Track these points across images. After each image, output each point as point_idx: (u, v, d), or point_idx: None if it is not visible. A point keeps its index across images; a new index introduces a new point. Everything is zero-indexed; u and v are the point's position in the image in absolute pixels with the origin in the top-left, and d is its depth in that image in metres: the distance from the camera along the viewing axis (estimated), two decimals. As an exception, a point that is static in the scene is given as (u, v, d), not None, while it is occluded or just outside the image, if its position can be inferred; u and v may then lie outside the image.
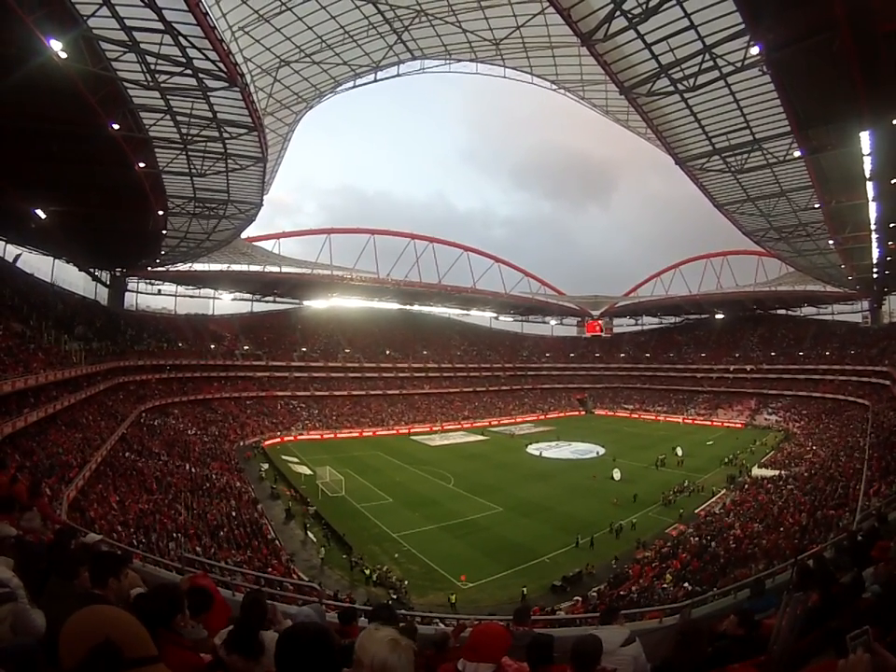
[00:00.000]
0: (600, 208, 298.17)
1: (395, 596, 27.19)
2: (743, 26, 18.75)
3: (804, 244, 45.11)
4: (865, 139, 22.61)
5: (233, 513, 34.67)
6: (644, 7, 18.66)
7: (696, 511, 39.58)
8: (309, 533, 35.93)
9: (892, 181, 25.36)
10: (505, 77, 37.37)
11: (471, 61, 35.83)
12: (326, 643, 2.32)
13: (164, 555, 20.31)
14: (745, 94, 24.76)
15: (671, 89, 24.22)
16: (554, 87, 36.80)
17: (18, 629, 2.63)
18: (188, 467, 41.85)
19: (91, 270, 64.80)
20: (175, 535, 27.13)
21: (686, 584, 23.97)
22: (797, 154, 27.70)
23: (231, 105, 27.78)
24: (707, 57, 21.32)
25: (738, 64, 21.10)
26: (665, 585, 25.03)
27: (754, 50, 19.54)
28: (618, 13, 19.20)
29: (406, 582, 28.82)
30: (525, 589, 27.52)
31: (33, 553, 4.05)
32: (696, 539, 31.61)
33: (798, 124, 24.39)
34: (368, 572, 29.86)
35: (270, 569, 26.14)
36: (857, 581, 6.24)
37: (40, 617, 2.80)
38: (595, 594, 26.97)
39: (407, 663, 2.58)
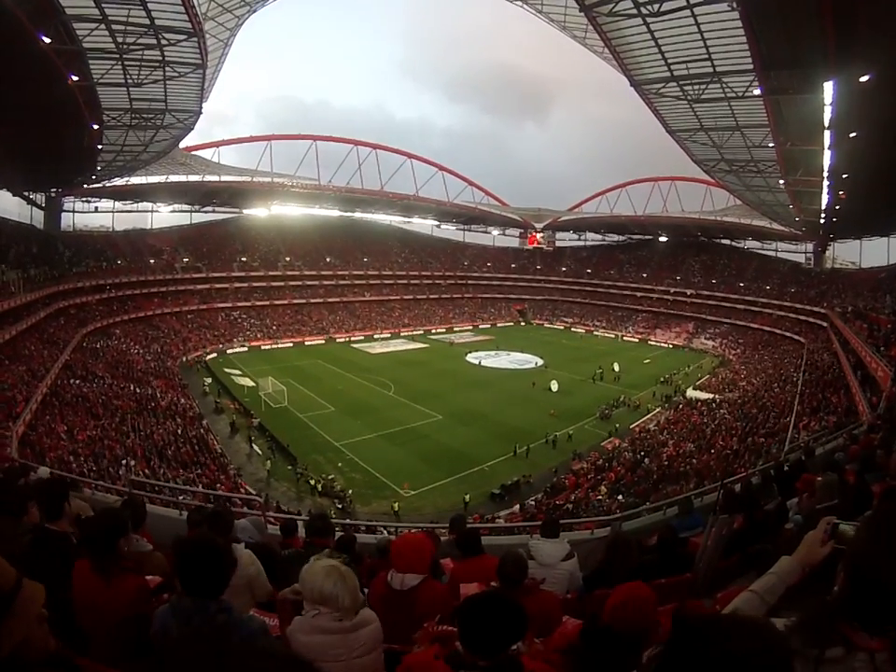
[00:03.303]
0: (538, 125, 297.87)
1: (340, 506, 28.07)
2: None
3: (753, 179, 45.15)
4: (829, 89, 22.34)
5: (179, 431, 34.94)
6: None
7: (631, 427, 40.87)
8: (254, 446, 36.51)
9: (851, 134, 25.37)
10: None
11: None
12: (213, 554, 2.67)
13: (115, 481, 20.61)
14: (711, 27, 24.30)
15: (634, 11, 23.70)
16: (512, -1, 35.62)
17: None
18: (132, 387, 41.58)
19: (26, 193, 62.11)
20: (123, 459, 27.38)
21: (620, 497, 25.28)
22: (757, 92, 27.57)
23: (170, 10, 26.26)
24: None
25: None
26: (600, 497, 26.30)
27: None
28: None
29: (350, 492, 29.59)
30: (467, 497, 28.62)
31: None
32: (631, 454, 33.08)
33: (762, 63, 24.19)
34: (313, 483, 30.58)
35: (219, 486, 26.58)
36: (781, 509, 6.89)
37: None
38: (532, 503, 28.24)
39: (351, 588, 3.00)
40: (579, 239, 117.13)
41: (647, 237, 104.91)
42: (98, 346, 51.76)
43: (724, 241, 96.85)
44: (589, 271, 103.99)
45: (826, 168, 32.18)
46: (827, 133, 26.61)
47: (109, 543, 3.21)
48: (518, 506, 27.99)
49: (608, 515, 17.50)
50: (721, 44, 25.48)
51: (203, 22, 29.55)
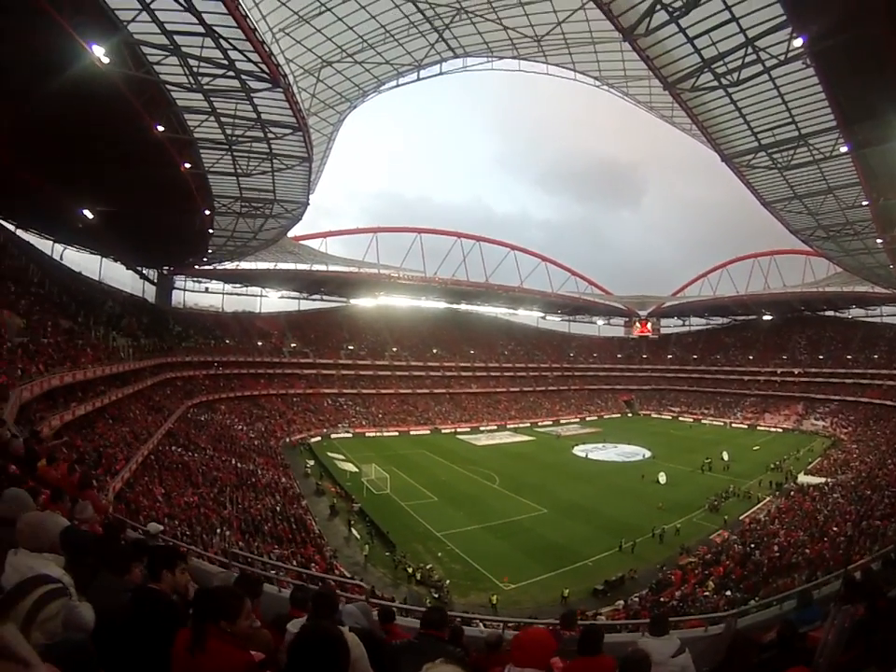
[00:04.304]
0: (632, 211, 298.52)
1: (436, 595, 27.32)
2: (784, 17, 18.14)
3: (851, 243, 43.29)
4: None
5: (278, 508, 35.11)
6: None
7: (741, 518, 38.80)
8: (353, 530, 36.17)
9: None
10: (548, 74, 36.92)
11: (513, 58, 35.46)
12: (336, 648, 2.34)
13: (207, 548, 20.61)
14: (789, 88, 23.91)
15: (715, 84, 23.53)
16: (598, 83, 36.13)
17: (68, 624, 2.62)
18: (234, 461, 42.55)
19: (139, 268, 66.30)
20: (218, 528, 27.54)
21: (728, 592, 23.62)
22: (843, 150, 26.60)
23: (275, 106, 27.83)
24: (750, 50, 20.59)
25: (782, 57, 20.35)
26: (707, 593, 24.63)
27: (797, 42, 18.77)
28: (658, 7, 18.73)
29: (448, 582, 28.81)
30: (566, 592, 27.27)
31: (81, 546, 3.97)
32: (740, 546, 30.99)
33: (844, 118, 23.55)
34: (410, 570, 29.90)
35: (313, 565, 26.22)
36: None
37: (89, 612, 2.79)
38: (636, 599, 26.71)
39: None
40: (683, 324, 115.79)
41: (750, 317, 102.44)
42: (202, 419, 53.84)
43: (828, 312, 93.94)
44: (695, 356, 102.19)
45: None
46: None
47: (227, 615, 3.06)
48: (621, 602, 26.44)
49: (714, 612, 16.24)
50: (802, 104, 25.05)
51: (307, 118, 31.29)
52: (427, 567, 30.31)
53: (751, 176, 34.03)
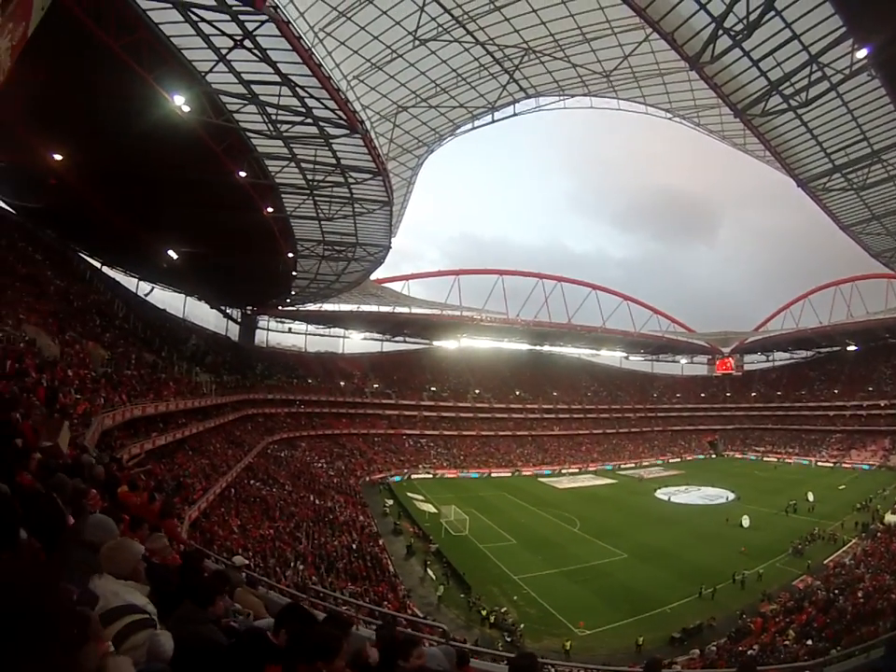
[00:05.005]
0: (707, 245, 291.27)
1: (509, 639, 26.91)
2: (844, 29, 17.74)
3: (935, 263, 41.27)
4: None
5: (354, 546, 35.40)
6: (745, 21, 18.06)
7: (825, 562, 36.90)
8: (429, 570, 36.04)
9: None
10: (619, 109, 37.01)
11: (584, 95, 35.52)
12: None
13: (279, 581, 20.92)
14: (858, 103, 23.39)
15: (784, 106, 23.15)
16: (669, 115, 35.97)
17: (151, 654, 2.70)
18: (312, 498, 43.30)
19: (223, 307, 68.97)
20: (293, 562, 27.93)
21: (809, 641, 22.46)
22: None
23: (354, 151, 28.83)
24: (815, 67, 20.18)
25: (847, 71, 19.92)
26: (788, 642, 23.46)
27: (860, 54, 18.28)
28: (721, 32, 18.69)
29: (522, 626, 28.28)
30: (640, 640, 26.33)
31: (162, 576, 4.06)
32: (823, 592, 29.36)
33: None
34: (484, 612, 29.53)
35: (385, 604, 26.24)
36: None
37: (169, 641, 2.80)
38: (713, 648, 25.68)
39: None
40: (767, 359, 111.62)
41: (835, 348, 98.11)
42: (282, 455, 54.98)
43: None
44: (779, 393, 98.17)
45: None
46: None
47: (326, 655, 3.05)
48: (697, 651, 25.38)
49: (795, 662, 15.52)
50: (872, 119, 24.46)
51: (386, 162, 32.09)
52: (502, 609, 29.90)
53: (828, 200, 33.08)
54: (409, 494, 57.38)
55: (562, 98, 36.54)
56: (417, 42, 27.07)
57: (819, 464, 79.17)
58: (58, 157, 26.44)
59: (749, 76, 22.77)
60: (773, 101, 23.12)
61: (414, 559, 38.39)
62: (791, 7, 18.43)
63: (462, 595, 32.55)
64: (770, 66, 21.61)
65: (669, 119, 36.46)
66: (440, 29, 26.78)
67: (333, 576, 28.99)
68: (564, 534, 45.69)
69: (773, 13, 18.18)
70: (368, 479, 61.75)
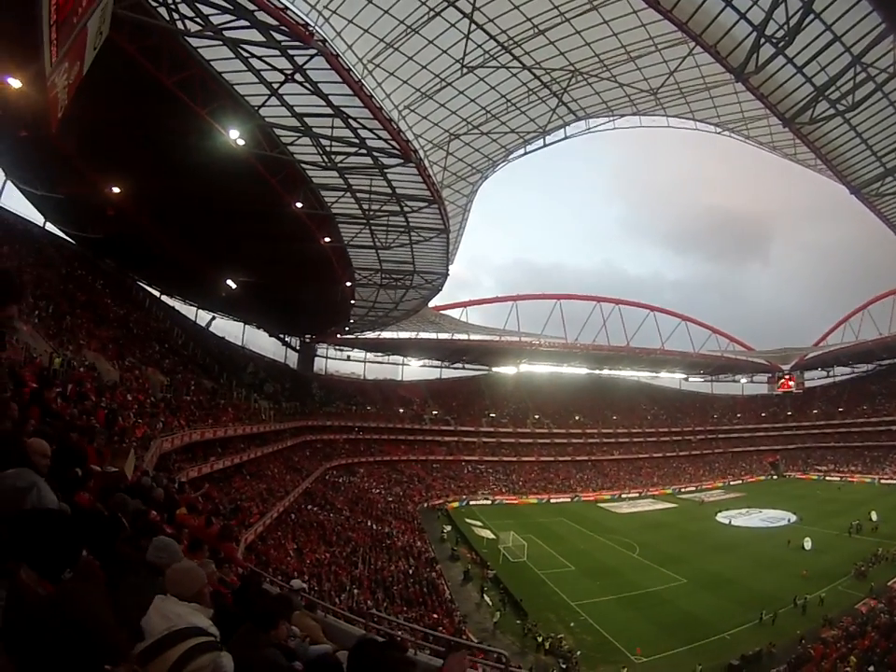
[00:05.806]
0: (761, 263, 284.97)
1: (564, 666, 26.58)
2: (884, 26, 17.30)
3: None
4: None
5: (410, 571, 35.50)
6: (786, 27, 17.90)
7: (889, 584, 35.45)
8: (485, 596, 35.73)
9: None
10: (668, 126, 36.70)
11: (633, 114, 35.41)
12: None
13: (334, 605, 21.10)
14: None
15: (832, 111, 22.73)
16: (718, 129, 35.48)
17: None
18: (369, 523, 43.50)
19: (281, 336, 70.40)
20: (348, 586, 28.13)
21: (871, 668, 21.68)
22: None
23: (409, 180, 29.23)
24: (859, 68, 19.79)
25: (891, 69, 19.46)
26: (849, 668, 22.67)
27: None
28: (763, 41, 18.56)
29: (578, 653, 27.89)
30: (699, 667, 25.68)
31: (220, 599, 4.11)
32: (887, 615, 28.18)
33: None
34: (540, 640, 29.17)
35: (440, 629, 26.16)
36: None
37: (230, 662, 2.77)
38: (771, 676, 24.86)
39: None
40: (827, 375, 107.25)
41: None
42: (340, 481, 55.42)
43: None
44: (841, 409, 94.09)
45: None
46: None
47: None
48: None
49: None
50: None
51: (441, 190, 32.42)
52: (558, 636, 29.45)
53: (881, 205, 32.15)
54: (467, 520, 57.02)
55: (611, 119, 36.50)
56: (465, 70, 27.47)
57: (883, 481, 75.91)
58: (116, 189, 27.48)
59: (795, 83, 22.59)
60: (820, 107, 22.85)
61: (471, 585, 38.18)
62: (829, 8, 18.30)
63: (518, 622, 32.18)
64: (814, 71, 21.44)
65: (718, 133, 35.99)
66: (486, 56, 27.18)
67: (388, 601, 29.08)
68: (623, 560, 44.92)
69: (812, 16, 17.99)
70: (426, 504, 61.83)
